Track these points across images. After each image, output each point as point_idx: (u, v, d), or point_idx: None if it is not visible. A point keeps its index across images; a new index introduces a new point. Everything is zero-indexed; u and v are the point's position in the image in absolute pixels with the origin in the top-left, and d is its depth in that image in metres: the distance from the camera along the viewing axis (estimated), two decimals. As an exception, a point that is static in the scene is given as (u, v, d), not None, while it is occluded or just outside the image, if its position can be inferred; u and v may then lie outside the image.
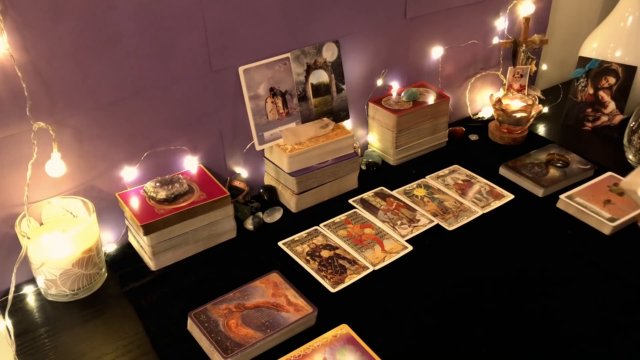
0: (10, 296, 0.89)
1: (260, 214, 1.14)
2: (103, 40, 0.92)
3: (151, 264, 1.02)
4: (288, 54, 1.14)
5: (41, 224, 0.98)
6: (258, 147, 1.16)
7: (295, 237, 1.09)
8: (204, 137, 1.12)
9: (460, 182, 1.25)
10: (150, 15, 0.95)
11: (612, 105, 1.42)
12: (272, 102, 1.15)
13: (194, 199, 1.03)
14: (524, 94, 1.41)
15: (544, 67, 1.63)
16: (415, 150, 1.35)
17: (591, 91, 1.44)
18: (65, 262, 0.92)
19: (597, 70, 1.42)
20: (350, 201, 1.19)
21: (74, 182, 1.00)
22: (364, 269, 1.01)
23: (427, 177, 1.27)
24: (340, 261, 1.03)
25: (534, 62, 1.45)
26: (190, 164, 1.11)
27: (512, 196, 1.20)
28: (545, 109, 1.54)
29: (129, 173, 1.05)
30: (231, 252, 1.07)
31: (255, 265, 1.02)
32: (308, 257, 1.04)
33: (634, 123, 1.26)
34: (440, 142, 1.39)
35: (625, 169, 1.27)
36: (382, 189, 1.23)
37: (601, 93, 1.42)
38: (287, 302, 0.91)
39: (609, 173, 1.24)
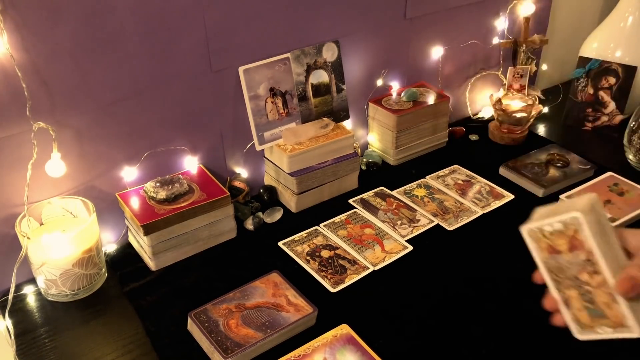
0: (10, 296, 0.89)
1: (260, 214, 1.14)
2: (103, 40, 0.92)
3: (151, 264, 1.02)
4: (288, 54, 1.14)
5: (41, 224, 0.98)
6: (258, 147, 1.15)
7: (295, 237, 1.09)
8: (204, 137, 1.12)
9: (460, 182, 1.25)
10: (150, 15, 0.95)
11: (612, 105, 1.42)
12: (272, 102, 1.15)
13: (194, 199, 1.03)
14: (524, 94, 1.41)
15: (544, 67, 1.62)
16: (415, 150, 1.35)
17: (591, 91, 1.44)
18: (65, 262, 0.92)
19: (597, 70, 1.41)
20: (350, 201, 1.19)
21: (74, 182, 1.00)
22: (364, 269, 1.01)
23: (427, 177, 1.27)
24: (341, 261, 1.03)
25: (534, 62, 1.45)
26: (190, 164, 1.11)
27: (512, 196, 1.20)
28: (545, 109, 1.54)
29: (129, 173, 1.05)
30: (231, 252, 1.07)
31: (255, 265, 1.02)
32: (308, 257, 1.04)
33: (634, 123, 1.26)
34: (440, 142, 1.39)
35: (625, 169, 1.27)
36: (382, 189, 1.23)
37: (601, 93, 1.42)
38: (287, 302, 0.91)
39: (609, 173, 1.24)
